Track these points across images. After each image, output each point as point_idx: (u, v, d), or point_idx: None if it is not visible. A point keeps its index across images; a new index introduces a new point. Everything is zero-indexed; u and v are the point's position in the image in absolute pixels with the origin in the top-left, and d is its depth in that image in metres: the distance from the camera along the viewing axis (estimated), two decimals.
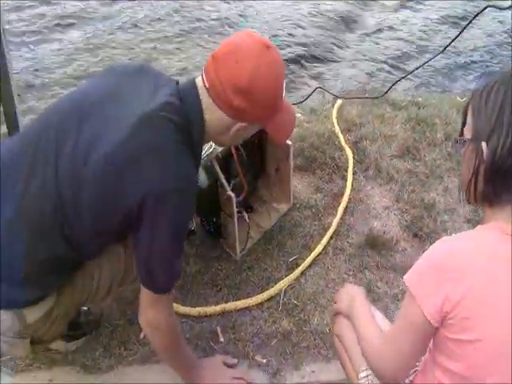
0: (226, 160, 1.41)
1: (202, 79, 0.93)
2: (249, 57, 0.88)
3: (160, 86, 0.94)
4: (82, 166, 0.85)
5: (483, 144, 0.67)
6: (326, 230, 1.62)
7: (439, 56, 2.13)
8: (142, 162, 0.85)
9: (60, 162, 0.86)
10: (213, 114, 0.93)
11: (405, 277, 0.69)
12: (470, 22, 1.83)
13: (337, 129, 2.07)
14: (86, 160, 0.85)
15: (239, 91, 0.88)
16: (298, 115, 2.34)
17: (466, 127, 0.71)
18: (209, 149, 1.33)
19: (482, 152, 0.67)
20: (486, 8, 1.77)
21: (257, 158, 1.59)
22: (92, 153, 0.85)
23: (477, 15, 1.79)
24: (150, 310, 0.95)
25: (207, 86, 0.91)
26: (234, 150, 1.36)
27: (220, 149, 1.34)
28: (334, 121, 2.11)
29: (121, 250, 1.05)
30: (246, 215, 1.53)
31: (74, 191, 0.85)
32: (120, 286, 1.09)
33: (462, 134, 0.71)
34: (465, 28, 1.84)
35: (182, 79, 1.00)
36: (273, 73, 0.90)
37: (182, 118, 0.91)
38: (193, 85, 0.94)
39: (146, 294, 0.95)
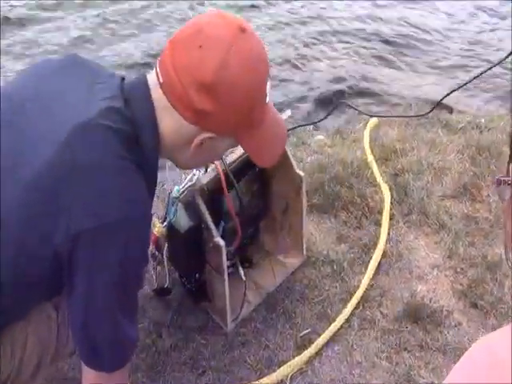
0: (214, 194, 1.42)
1: (156, 73, 0.90)
2: (217, 42, 0.85)
3: (99, 84, 0.91)
4: None
5: None
6: (350, 294, 1.64)
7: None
8: (75, 187, 0.82)
9: None
10: (169, 118, 0.90)
11: None
12: None
13: (370, 157, 2.13)
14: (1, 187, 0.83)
15: (202, 87, 0.85)
16: (319, 137, 2.44)
17: None
18: (190, 179, 1.36)
19: None
20: None
21: (258, 193, 1.62)
22: (8, 178, 0.83)
23: None
24: None
25: (161, 81, 0.89)
26: (223, 182, 1.36)
27: (206, 179, 1.36)
28: (366, 146, 2.18)
29: (51, 313, 1.00)
30: (241, 271, 1.56)
31: None
32: (52, 362, 1.05)
33: (508, 172, 0.66)
34: None
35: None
36: (249, 64, 0.86)
37: (128, 126, 0.88)
38: (142, 82, 0.91)
39: (89, 375, 0.92)
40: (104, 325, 0.88)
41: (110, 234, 0.83)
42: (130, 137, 0.89)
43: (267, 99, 0.94)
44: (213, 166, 1.39)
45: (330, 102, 3.15)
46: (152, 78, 0.92)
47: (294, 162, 1.59)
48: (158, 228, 1.43)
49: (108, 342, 0.90)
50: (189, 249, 1.43)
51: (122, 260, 0.85)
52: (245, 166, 1.51)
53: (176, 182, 1.71)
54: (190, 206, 1.38)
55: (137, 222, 0.87)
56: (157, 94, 0.91)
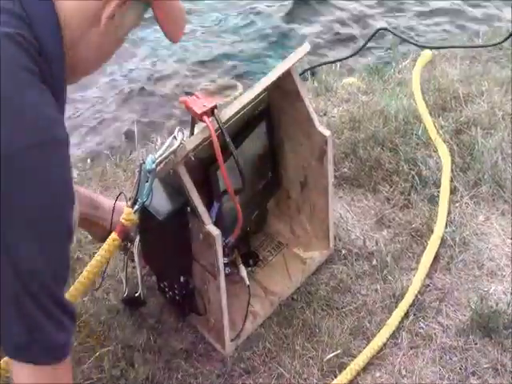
0: (204, 165, 1.43)
1: None
2: None
3: None
4: None
5: None
6: (397, 300, 1.63)
7: None
8: None
9: None
10: None
11: None
12: None
13: (421, 106, 2.09)
14: None
15: None
16: (350, 80, 2.45)
17: None
18: (170, 144, 1.35)
19: None
20: None
21: (265, 162, 1.63)
22: None
23: None
24: None
25: None
26: (217, 146, 1.34)
27: (193, 144, 1.34)
28: (417, 91, 2.15)
29: None
30: (243, 271, 1.58)
31: None
32: None
33: None
34: None
35: None
36: None
37: (18, 19, 0.98)
38: None
39: (22, 372, 1.02)
40: (32, 289, 0.96)
41: (22, 160, 0.92)
42: (26, 39, 0.97)
43: None
44: (203, 125, 1.36)
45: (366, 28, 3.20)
46: None
47: (315, 116, 1.56)
48: (126, 214, 1.36)
49: (42, 313, 0.98)
50: (170, 242, 1.42)
51: (45, 189, 0.95)
52: (247, 124, 1.51)
53: (149, 149, 1.64)
54: (171, 183, 1.37)
55: (55, 143, 0.96)
56: None
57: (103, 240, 1.32)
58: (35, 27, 0.99)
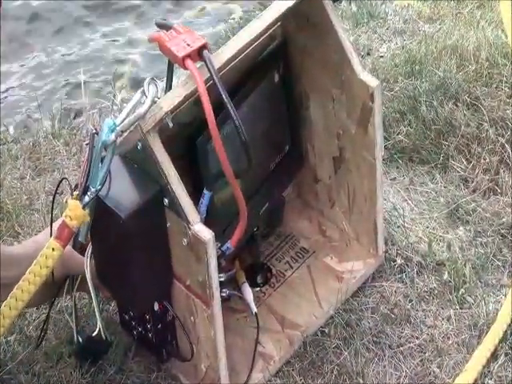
0: (187, 136, 1.45)
1: None
2: None
3: None
4: None
5: None
6: (479, 332, 1.65)
7: None
8: None
9: None
10: None
11: None
12: None
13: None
14: None
15: None
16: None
17: None
18: (137, 103, 1.35)
19: None
20: None
21: (279, 128, 1.67)
22: None
23: None
24: None
25: None
26: (208, 106, 1.34)
27: (171, 103, 1.34)
28: (508, 17, 2.14)
29: None
30: (249, 293, 1.62)
31: None
32: None
33: None
34: None
35: None
36: None
37: None
38: None
39: None
40: None
41: None
42: None
43: None
44: (186, 73, 1.38)
45: None
46: None
47: (354, 57, 1.58)
48: (71, 210, 1.37)
49: None
50: (138, 252, 1.42)
51: None
52: (252, 71, 1.55)
53: (104, 110, 1.61)
54: (139, 163, 1.39)
55: None
56: None
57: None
58: None
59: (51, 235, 1.42)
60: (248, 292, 1.60)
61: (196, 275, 1.40)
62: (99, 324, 1.53)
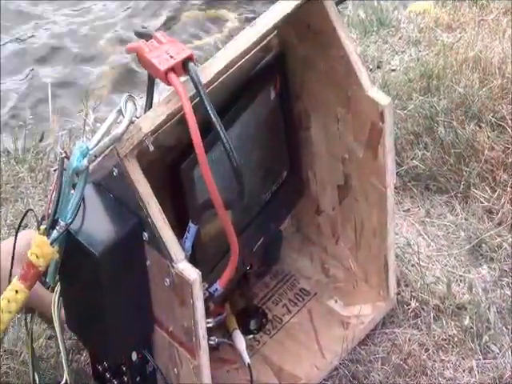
0: (170, 161, 1.47)
1: None
2: None
3: None
4: None
5: None
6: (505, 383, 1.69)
7: None
8: None
9: None
10: None
11: None
12: None
13: None
14: None
15: None
16: (422, 4, 2.51)
17: None
18: (112, 122, 1.36)
19: None
20: None
21: (276, 152, 1.68)
22: None
23: None
24: None
25: None
26: (193, 126, 1.33)
27: (152, 123, 1.33)
28: None
29: None
30: (241, 342, 1.62)
31: None
32: None
33: None
34: None
35: None
36: None
37: None
38: None
39: None
40: None
41: None
42: None
43: None
44: (169, 90, 1.38)
45: None
46: None
47: (363, 71, 1.59)
48: (37, 247, 1.37)
49: None
50: (113, 294, 1.42)
51: None
52: (245, 87, 1.56)
53: (75, 132, 1.62)
54: (115, 192, 1.40)
55: None
56: None
57: None
58: None
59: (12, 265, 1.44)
60: (240, 340, 1.60)
61: (180, 320, 1.40)
62: (66, 377, 1.52)
